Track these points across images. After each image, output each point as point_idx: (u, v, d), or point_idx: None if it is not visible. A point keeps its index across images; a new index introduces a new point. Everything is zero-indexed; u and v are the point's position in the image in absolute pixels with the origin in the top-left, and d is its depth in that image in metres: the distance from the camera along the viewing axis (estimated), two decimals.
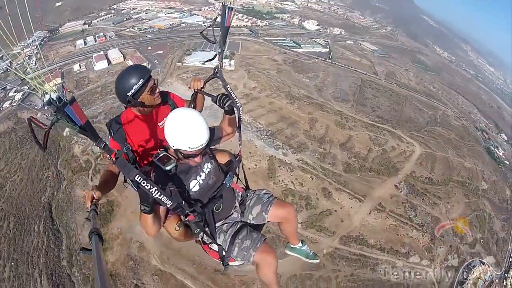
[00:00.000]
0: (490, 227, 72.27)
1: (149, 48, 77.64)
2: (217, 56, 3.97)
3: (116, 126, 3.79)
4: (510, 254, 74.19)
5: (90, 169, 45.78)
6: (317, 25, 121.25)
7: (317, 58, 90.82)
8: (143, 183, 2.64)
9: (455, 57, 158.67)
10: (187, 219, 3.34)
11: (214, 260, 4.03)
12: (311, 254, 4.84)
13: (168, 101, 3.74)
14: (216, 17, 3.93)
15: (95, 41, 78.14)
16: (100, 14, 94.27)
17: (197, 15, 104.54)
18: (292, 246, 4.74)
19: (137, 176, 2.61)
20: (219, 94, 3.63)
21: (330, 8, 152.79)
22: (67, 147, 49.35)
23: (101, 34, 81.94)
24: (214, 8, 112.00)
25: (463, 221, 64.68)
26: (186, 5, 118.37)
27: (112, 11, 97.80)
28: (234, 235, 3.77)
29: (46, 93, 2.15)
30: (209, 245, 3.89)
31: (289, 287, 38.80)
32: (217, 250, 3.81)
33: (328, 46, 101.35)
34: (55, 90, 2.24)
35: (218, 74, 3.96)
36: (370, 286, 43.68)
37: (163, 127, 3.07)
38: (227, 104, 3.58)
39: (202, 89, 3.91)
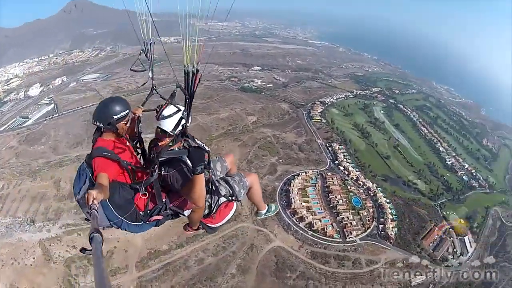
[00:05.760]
0: (283, 143, 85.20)
1: None
2: (149, 79, 6.18)
3: (108, 151, 4.99)
4: (325, 145, 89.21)
5: None
6: (40, 86, 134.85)
7: (45, 120, 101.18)
8: (198, 140, 5.35)
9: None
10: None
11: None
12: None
13: None
14: (140, 53, 6.06)
15: None
16: None
17: None
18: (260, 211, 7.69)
19: (194, 138, 5.32)
20: (159, 105, 5.48)
21: (50, 62, 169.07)
22: None
23: None
24: None
25: (462, 222, 76.22)
26: None
27: None
28: (226, 181, 6.26)
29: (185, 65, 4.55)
30: (214, 209, 6.04)
31: None
32: (226, 199, 6.15)
33: (52, 101, 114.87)
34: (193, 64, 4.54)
35: (155, 90, 6.24)
36: (197, 277, 53.49)
37: (131, 145, 5.49)
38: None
39: (145, 111, 5.98)
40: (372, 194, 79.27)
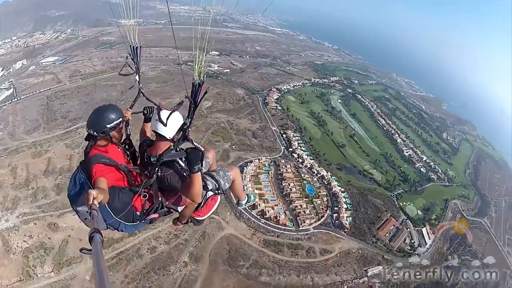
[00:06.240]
0: (237, 130, 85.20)
1: None
2: (136, 81, 7.16)
3: (105, 157, 5.06)
4: (280, 133, 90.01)
5: None
6: (1, 70, 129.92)
7: (4, 105, 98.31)
8: (195, 143, 5.60)
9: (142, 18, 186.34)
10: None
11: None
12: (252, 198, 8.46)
13: None
14: (127, 57, 7.06)
15: None
16: None
17: None
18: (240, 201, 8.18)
19: (192, 141, 5.63)
20: (145, 107, 6.52)
21: (12, 45, 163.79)
22: None
23: None
24: None
25: (462, 222, 77.83)
26: None
27: None
28: (211, 176, 6.56)
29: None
30: (203, 202, 6.37)
31: None
32: (213, 193, 6.48)
33: (12, 86, 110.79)
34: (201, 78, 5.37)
35: (142, 93, 7.18)
36: (150, 265, 54.72)
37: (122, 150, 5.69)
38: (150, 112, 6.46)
39: (133, 113, 6.60)
40: (326, 183, 79.99)
